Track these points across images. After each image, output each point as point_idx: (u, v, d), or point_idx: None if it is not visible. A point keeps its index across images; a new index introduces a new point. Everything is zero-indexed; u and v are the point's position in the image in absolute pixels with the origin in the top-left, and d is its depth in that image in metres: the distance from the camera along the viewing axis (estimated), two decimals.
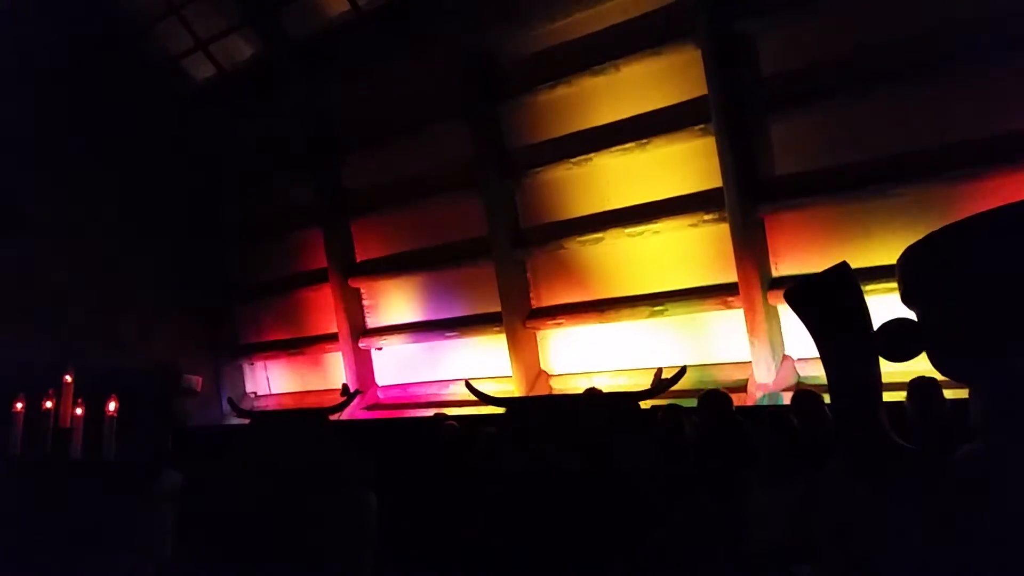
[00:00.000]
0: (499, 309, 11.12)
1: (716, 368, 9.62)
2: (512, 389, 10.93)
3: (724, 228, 9.25)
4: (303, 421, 7.27)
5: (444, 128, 11.55)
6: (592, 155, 10.19)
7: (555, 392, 10.93)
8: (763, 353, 9.02)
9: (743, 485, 4.90)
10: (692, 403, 6.42)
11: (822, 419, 5.21)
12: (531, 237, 11.00)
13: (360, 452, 6.34)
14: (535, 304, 11.14)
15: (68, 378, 5.57)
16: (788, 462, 4.85)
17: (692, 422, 5.94)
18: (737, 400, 9.14)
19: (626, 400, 6.32)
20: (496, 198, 11.08)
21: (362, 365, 12.86)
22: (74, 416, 5.41)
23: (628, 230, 10.01)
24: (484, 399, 7.03)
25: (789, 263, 9.15)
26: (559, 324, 10.85)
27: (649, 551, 4.92)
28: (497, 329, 11.21)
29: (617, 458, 5.45)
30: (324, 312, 13.34)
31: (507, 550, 5.36)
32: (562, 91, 10.42)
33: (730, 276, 9.29)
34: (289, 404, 13.86)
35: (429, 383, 12.22)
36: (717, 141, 9.15)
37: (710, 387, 9.43)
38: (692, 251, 9.79)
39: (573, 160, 10.36)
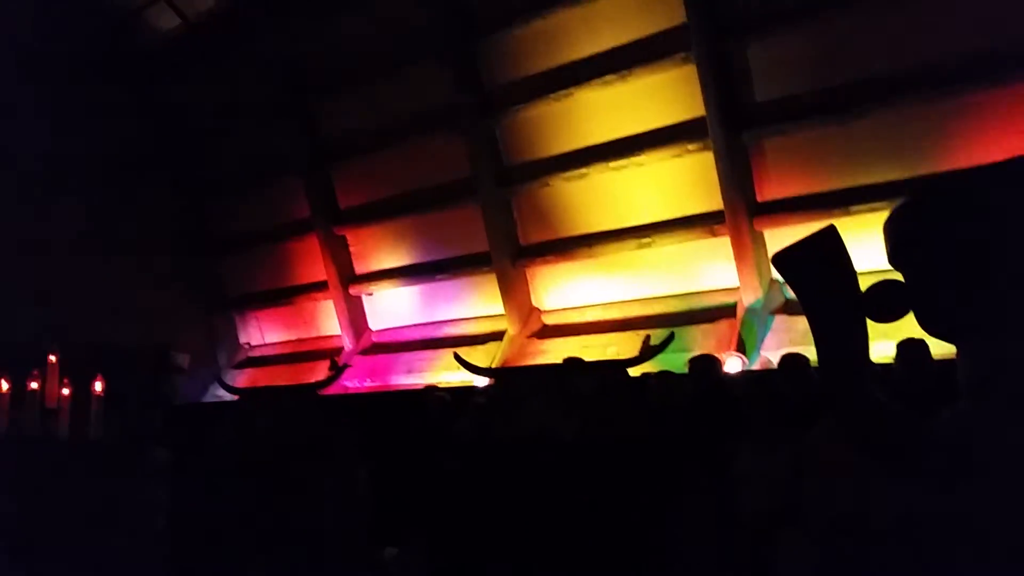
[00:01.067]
0: (487, 249, 11.06)
1: (705, 295, 9.68)
2: (505, 327, 10.97)
3: (708, 157, 9.16)
4: (292, 396, 7.26)
5: (420, 69, 11.26)
6: (573, 89, 9.99)
7: (548, 325, 10.97)
8: (750, 278, 9.07)
9: (731, 450, 4.89)
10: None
11: (809, 382, 5.18)
12: (515, 175, 10.87)
13: (350, 425, 6.35)
14: (523, 242, 11.08)
15: (53, 357, 5.50)
16: (775, 426, 4.83)
17: (681, 389, 5.92)
18: (727, 325, 9.24)
19: (615, 368, 6.36)
20: (477, 137, 10.90)
21: (354, 311, 12.85)
22: (60, 396, 5.36)
23: (612, 164, 9.90)
24: (473, 370, 7.08)
25: (774, 188, 9.11)
26: (548, 262, 10.81)
27: (639, 518, 4.95)
28: (487, 269, 11.17)
29: (607, 426, 5.47)
30: (312, 261, 13.24)
31: (498, 519, 5.41)
32: (539, 25, 10.14)
33: (715, 204, 9.25)
34: (285, 352, 13.90)
35: (423, 325, 12.24)
36: (698, 69, 8.97)
37: (699, 312, 9.54)
38: (677, 182, 9.72)
39: (554, 96, 10.16)
